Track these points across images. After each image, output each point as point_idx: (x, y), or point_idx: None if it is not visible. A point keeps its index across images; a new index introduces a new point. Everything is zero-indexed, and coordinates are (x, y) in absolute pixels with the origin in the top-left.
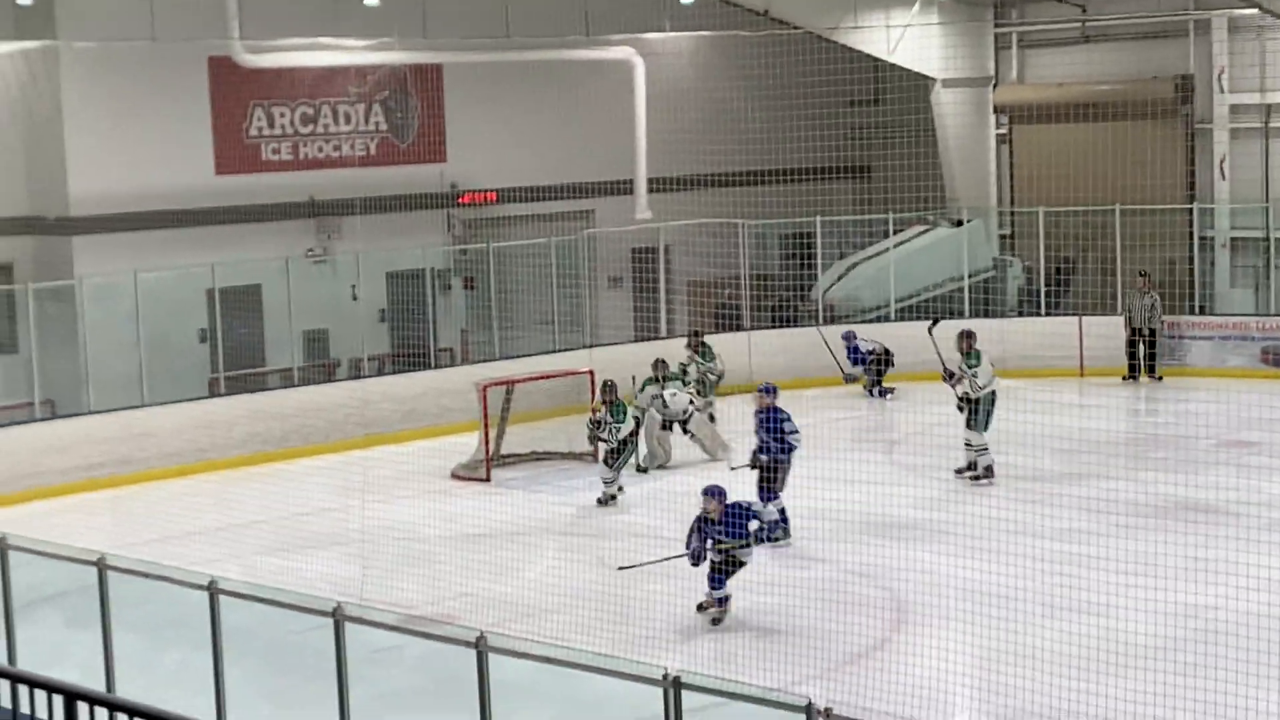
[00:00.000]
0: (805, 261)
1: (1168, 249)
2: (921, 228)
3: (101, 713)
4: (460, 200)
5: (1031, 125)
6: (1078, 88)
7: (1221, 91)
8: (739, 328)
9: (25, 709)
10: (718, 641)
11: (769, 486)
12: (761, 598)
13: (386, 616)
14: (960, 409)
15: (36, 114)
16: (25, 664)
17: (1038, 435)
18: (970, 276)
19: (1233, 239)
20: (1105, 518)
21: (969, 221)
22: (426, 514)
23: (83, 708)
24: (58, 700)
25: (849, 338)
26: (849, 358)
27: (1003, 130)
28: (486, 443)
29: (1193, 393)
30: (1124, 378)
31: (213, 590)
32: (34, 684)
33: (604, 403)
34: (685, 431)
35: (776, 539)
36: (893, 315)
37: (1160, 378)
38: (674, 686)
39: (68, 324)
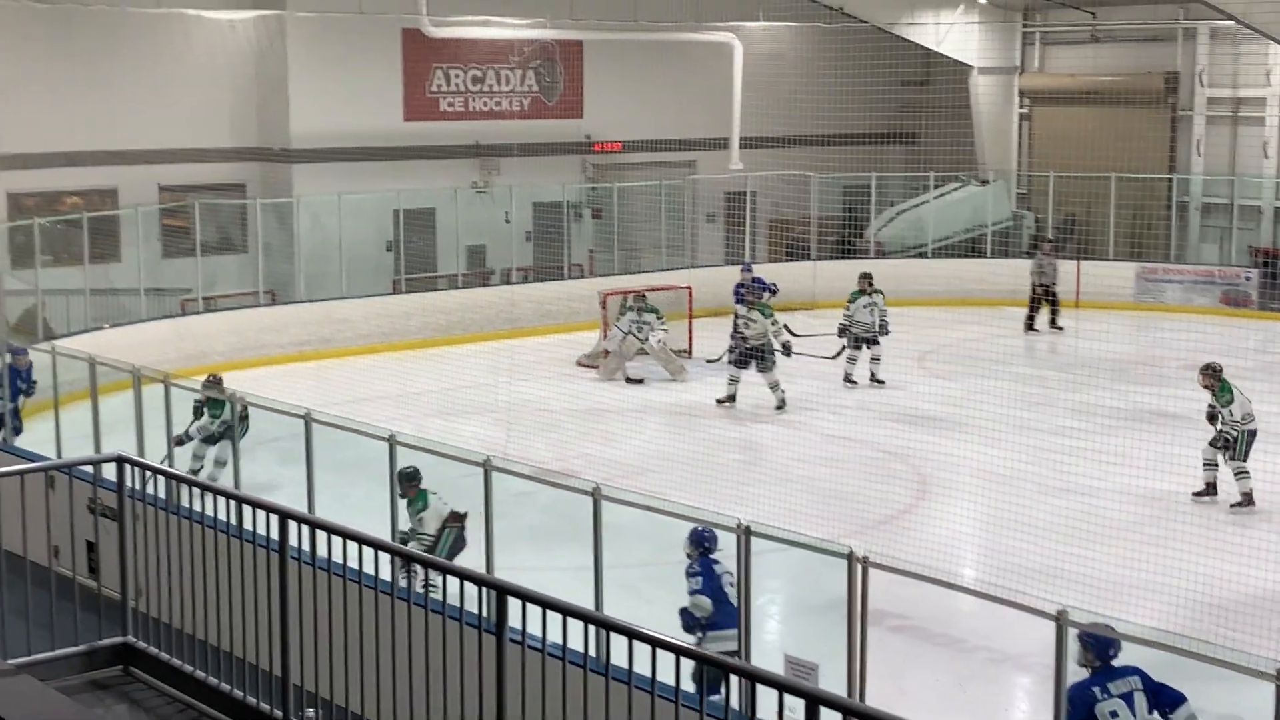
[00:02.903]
0: (861, 208)
1: (1150, 210)
2: (955, 185)
3: (305, 529)
4: (593, 148)
5: (1048, 107)
6: (1086, 78)
7: (1201, 86)
8: (807, 257)
9: (248, 524)
10: (779, 500)
11: None
12: (815, 469)
13: (523, 469)
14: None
15: (268, 69)
16: (247, 490)
17: (1042, 351)
18: (992, 225)
19: (1204, 203)
20: (1091, 419)
21: (993, 181)
22: (556, 392)
23: (292, 525)
24: (274, 519)
25: (747, 269)
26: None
27: (1025, 110)
28: (605, 338)
29: (1166, 324)
30: (1026, 329)
31: (391, 442)
32: (255, 505)
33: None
34: (641, 350)
35: None
36: (929, 253)
37: (1061, 328)
38: (745, 534)
39: (286, 232)
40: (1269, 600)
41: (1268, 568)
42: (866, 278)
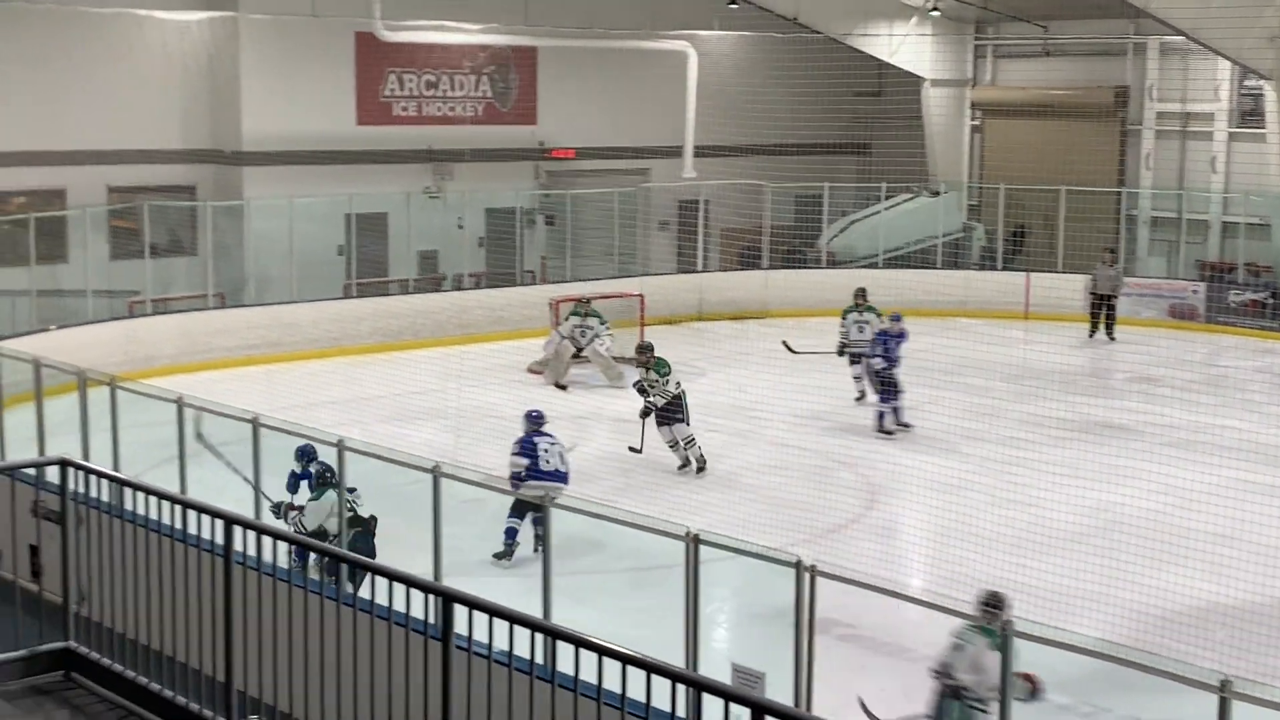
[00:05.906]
0: (813, 218)
1: (1100, 223)
2: (907, 195)
3: (251, 535)
4: (546, 155)
5: (999, 119)
6: (1037, 91)
7: (1151, 100)
8: (758, 267)
9: (193, 530)
10: (728, 508)
11: None
12: (765, 478)
13: (473, 475)
14: None
15: (220, 70)
16: (194, 495)
17: (990, 362)
18: (943, 236)
19: (1152, 217)
20: (1039, 430)
21: (945, 193)
22: (506, 398)
23: (238, 530)
24: (219, 524)
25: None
26: (877, 353)
27: (976, 122)
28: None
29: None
30: (1090, 335)
31: (340, 447)
32: (201, 510)
33: (644, 364)
34: (578, 355)
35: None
36: (880, 264)
37: (1114, 339)
38: (694, 542)
39: (236, 235)
40: (1213, 611)
41: (1212, 579)
42: (859, 293)
